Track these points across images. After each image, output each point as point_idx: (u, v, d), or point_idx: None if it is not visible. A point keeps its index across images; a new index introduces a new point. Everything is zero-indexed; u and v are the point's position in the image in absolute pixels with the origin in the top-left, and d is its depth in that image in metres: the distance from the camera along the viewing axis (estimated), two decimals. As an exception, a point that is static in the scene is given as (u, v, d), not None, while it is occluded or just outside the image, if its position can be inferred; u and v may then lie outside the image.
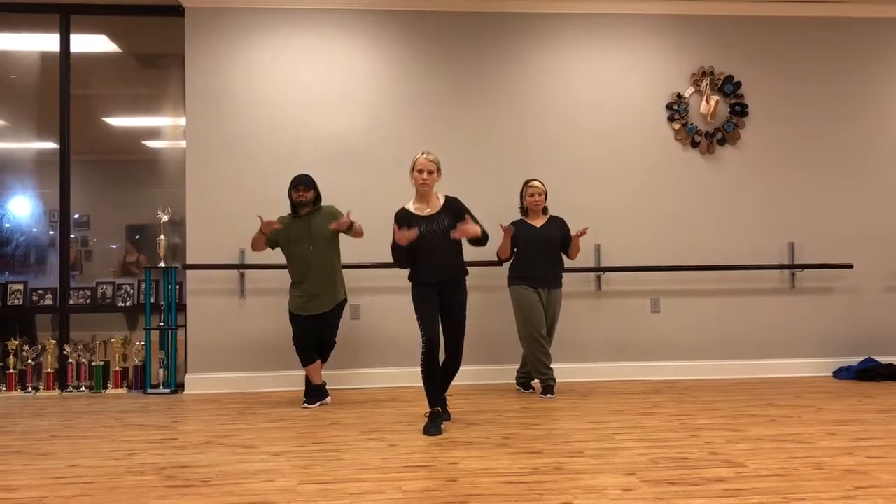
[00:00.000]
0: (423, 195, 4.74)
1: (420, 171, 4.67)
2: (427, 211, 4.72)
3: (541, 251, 5.69)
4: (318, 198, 5.48)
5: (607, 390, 5.87)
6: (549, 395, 5.60)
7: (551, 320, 5.72)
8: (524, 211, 5.86)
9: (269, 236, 5.33)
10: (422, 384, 4.63)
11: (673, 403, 5.33)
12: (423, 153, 4.73)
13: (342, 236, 5.47)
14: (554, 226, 5.78)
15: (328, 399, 5.51)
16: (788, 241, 6.63)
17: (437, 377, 4.62)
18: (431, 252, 4.64)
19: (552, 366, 5.70)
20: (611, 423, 4.70)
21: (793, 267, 6.58)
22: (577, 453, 3.93)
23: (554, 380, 5.67)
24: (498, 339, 6.23)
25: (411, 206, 4.76)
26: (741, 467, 3.62)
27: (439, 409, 4.64)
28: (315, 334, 5.42)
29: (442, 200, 4.76)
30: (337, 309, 5.47)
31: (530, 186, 5.78)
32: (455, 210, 4.71)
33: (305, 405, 5.36)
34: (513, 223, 5.76)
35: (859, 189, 6.75)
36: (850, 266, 6.60)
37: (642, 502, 3.12)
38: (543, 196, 5.78)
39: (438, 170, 4.74)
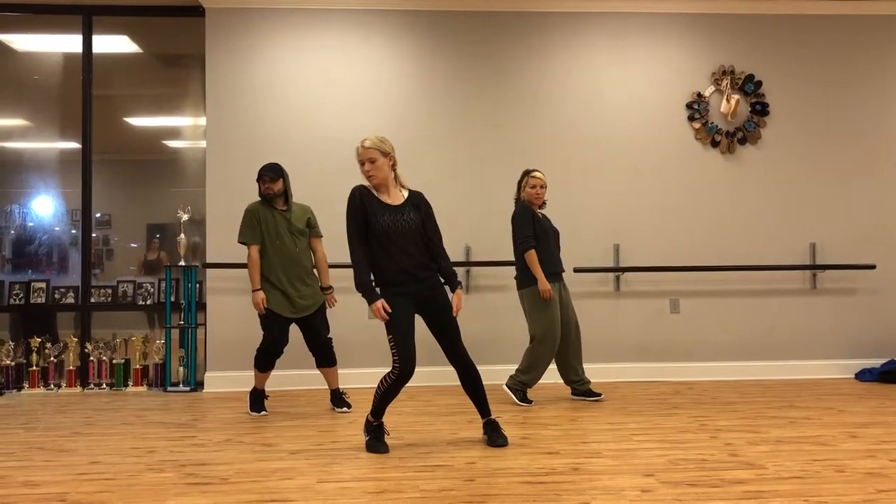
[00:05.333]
0: (379, 188, 4.09)
1: (361, 164, 4.05)
2: (388, 200, 4.08)
3: (553, 244, 5.43)
4: (287, 188, 5.15)
5: (626, 391, 5.84)
6: (526, 403, 5.32)
7: (569, 313, 5.44)
8: (519, 203, 5.42)
9: (253, 235, 5.09)
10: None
11: (692, 405, 5.30)
12: (361, 142, 4.07)
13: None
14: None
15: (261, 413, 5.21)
16: (810, 242, 6.57)
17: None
18: (401, 249, 4.01)
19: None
20: (629, 423, 4.67)
21: (814, 267, 6.52)
22: (595, 454, 3.91)
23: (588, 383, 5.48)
24: (514, 339, 6.20)
25: (373, 192, 4.11)
26: (761, 469, 3.59)
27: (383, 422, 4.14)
28: (299, 338, 5.20)
29: (405, 193, 4.15)
30: (321, 310, 5.23)
31: (532, 177, 5.37)
32: (420, 205, 4.13)
33: (251, 413, 5.17)
34: (525, 211, 5.34)
35: (882, 189, 6.68)
36: (873, 267, 6.53)
37: (661, 504, 3.10)
38: (544, 189, 5.41)
39: (385, 153, 4.05)
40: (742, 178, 6.60)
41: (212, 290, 6.25)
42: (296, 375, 6.13)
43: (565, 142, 6.48)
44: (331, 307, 5.26)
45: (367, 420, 4.15)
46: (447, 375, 5.87)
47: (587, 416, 4.90)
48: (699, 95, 6.61)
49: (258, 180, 5.13)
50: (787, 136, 6.64)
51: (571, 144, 6.48)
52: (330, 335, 5.28)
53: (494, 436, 4.14)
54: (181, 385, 6.23)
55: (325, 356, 5.24)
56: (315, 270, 5.29)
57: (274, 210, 5.13)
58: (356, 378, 6.04)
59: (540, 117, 6.50)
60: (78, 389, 6.25)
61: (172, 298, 6.36)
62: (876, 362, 6.46)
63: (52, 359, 6.28)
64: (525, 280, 5.34)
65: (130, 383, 6.30)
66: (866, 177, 6.67)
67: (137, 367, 6.30)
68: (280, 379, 6.11)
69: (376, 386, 4.09)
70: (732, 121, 6.60)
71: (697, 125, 6.60)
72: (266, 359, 5.14)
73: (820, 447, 4.03)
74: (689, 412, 5.02)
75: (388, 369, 4.04)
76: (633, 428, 4.55)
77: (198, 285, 6.38)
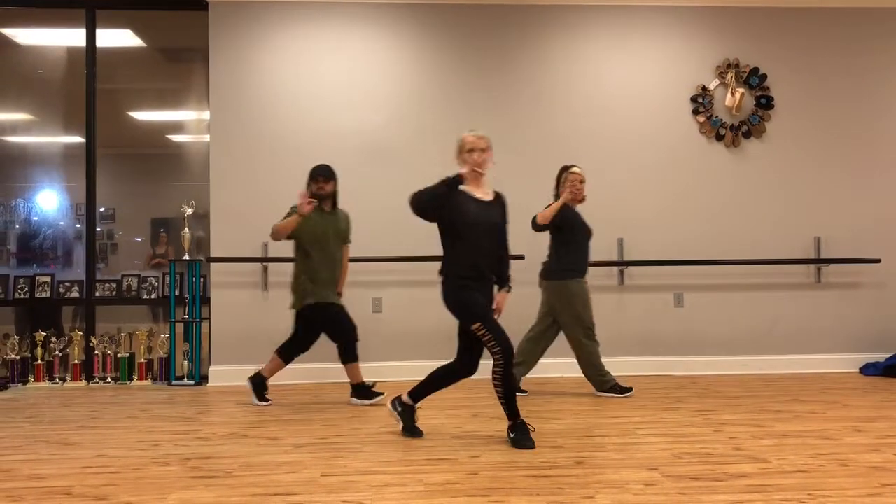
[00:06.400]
0: (475, 179, 4.09)
1: (472, 151, 4.04)
2: (478, 195, 4.10)
3: (587, 239, 5.41)
4: (336, 191, 5.21)
5: (630, 385, 5.83)
6: (626, 394, 5.39)
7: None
8: (558, 199, 5.32)
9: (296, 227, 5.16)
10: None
11: (696, 398, 5.30)
12: (469, 130, 4.12)
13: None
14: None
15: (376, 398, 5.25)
16: (814, 236, 6.55)
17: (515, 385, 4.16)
18: (477, 241, 4.03)
19: None
20: (633, 417, 4.67)
21: (819, 261, 6.50)
22: (599, 448, 3.91)
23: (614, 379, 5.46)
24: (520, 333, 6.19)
25: (463, 186, 4.08)
26: (765, 463, 3.59)
27: (522, 419, 4.08)
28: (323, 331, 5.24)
29: (492, 193, 4.18)
30: (343, 308, 5.24)
31: (572, 173, 5.31)
32: (503, 210, 4.20)
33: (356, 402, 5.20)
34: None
35: (886, 182, 6.66)
36: (878, 261, 6.51)
37: (665, 497, 3.10)
38: (583, 184, 5.31)
39: (490, 148, 4.12)
40: (746, 171, 6.58)
41: (216, 284, 6.26)
42: (300, 370, 6.13)
43: (568, 136, 6.46)
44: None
45: (403, 402, 4.24)
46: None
47: (591, 410, 4.91)
48: (704, 89, 6.59)
49: (310, 180, 5.13)
50: (792, 129, 6.62)
51: (575, 138, 6.47)
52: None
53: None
54: (186, 379, 6.24)
55: (350, 351, 5.24)
56: None
57: (322, 212, 5.13)
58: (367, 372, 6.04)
59: (543, 111, 6.49)
60: (83, 383, 6.26)
61: (177, 293, 6.36)
62: (880, 356, 6.45)
63: (56, 353, 6.30)
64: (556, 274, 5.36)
65: (135, 377, 6.31)
66: (871, 170, 6.65)
67: (142, 361, 6.31)
68: (284, 373, 6.11)
69: (432, 372, 4.21)
70: (737, 114, 6.58)
71: (702, 119, 6.58)
72: (300, 351, 5.28)
73: (824, 441, 4.02)
74: (693, 406, 5.02)
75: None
76: (636, 422, 4.55)
77: (202, 279, 6.38)
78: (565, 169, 5.41)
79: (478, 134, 4.10)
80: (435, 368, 4.25)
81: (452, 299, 4.07)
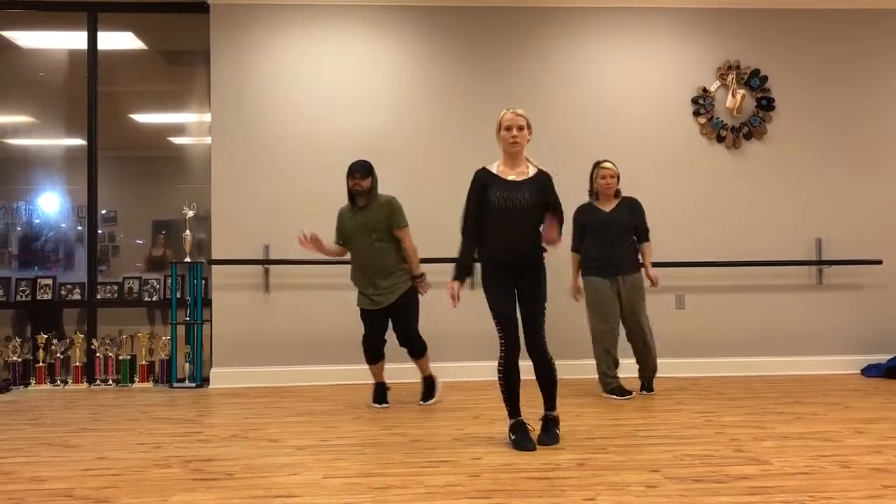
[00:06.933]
0: (511, 157, 4.08)
1: (508, 129, 4.02)
2: (511, 176, 4.05)
3: (612, 236, 5.41)
4: (374, 186, 5.15)
5: (631, 386, 5.82)
6: (625, 396, 5.34)
7: (630, 308, 5.42)
8: (595, 195, 5.53)
9: (337, 235, 5.21)
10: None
11: (698, 400, 5.29)
12: (508, 109, 4.11)
13: None
14: (625, 208, 5.48)
15: (434, 397, 5.29)
16: (816, 237, 6.55)
17: (517, 383, 4.03)
18: (502, 224, 4.00)
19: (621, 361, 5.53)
20: (635, 419, 4.67)
21: (820, 263, 6.50)
22: (600, 449, 3.91)
23: (617, 381, 5.42)
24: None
25: (494, 168, 4.12)
26: (767, 465, 3.58)
27: (521, 418, 4.05)
28: (383, 331, 5.18)
29: (532, 171, 4.09)
30: (403, 300, 5.12)
31: (602, 168, 5.45)
32: (543, 187, 4.04)
33: (373, 406, 5.19)
34: (580, 208, 5.53)
35: (888, 184, 6.65)
36: (880, 262, 6.50)
37: (666, 499, 3.10)
38: (616, 179, 5.46)
39: (529, 127, 4.07)
40: (747, 173, 6.58)
41: (217, 286, 6.26)
42: (300, 371, 6.14)
43: (570, 137, 6.45)
44: (422, 294, 5.15)
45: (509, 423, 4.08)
46: (454, 371, 5.90)
47: (592, 412, 4.90)
48: (704, 90, 6.59)
49: (348, 176, 5.12)
50: (793, 131, 6.62)
51: (576, 140, 6.46)
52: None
53: (545, 435, 4.06)
54: (187, 381, 6.24)
55: (410, 348, 5.21)
56: (404, 264, 5.16)
57: (354, 208, 5.14)
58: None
59: (544, 113, 6.46)
60: (84, 385, 6.27)
61: (178, 295, 6.37)
62: (882, 358, 6.44)
63: (58, 355, 6.30)
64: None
65: (136, 379, 6.31)
66: (872, 172, 6.65)
67: (143, 363, 6.31)
68: (285, 375, 6.12)
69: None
70: (738, 116, 6.58)
71: (703, 120, 6.58)
72: (365, 352, 5.20)
73: (826, 443, 4.02)
74: (695, 408, 5.01)
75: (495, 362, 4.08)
76: (638, 423, 4.54)
77: (203, 282, 6.39)
78: (596, 165, 5.54)
79: (516, 111, 4.08)
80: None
81: (482, 283, 4.10)
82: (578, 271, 5.55)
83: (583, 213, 5.53)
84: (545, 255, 4.14)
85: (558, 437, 4.08)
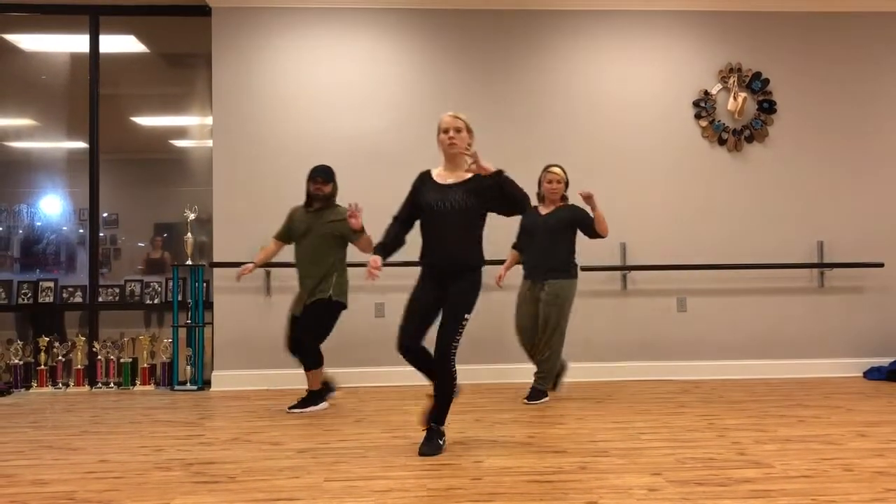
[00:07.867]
0: (450, 160, 4.07)
1: (446, 131, 4.02)
2: (450, 180, 4.04)
3: (539, 241, 5.34)
4: (334, 193, 5.18)
5: (633, 390, 5.83)
6: (533, 401, 5.25)
7: (544, 317, 5.25)
8: (540, 198, 5.46)
9: (281, 230, 5.27)
10: (429, 384, 4.19)
11: (700, 403, 5.28)
12: (448, 113, 4.10)
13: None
14: (562, 212, 5.37)
15: (323, 404, 5.24)
16: (817, 240, 6.54)
17: (427, 374, 4.06)
18: (435, 228, 3.99)
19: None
20: (637, 422, 4.67)
21: (822, 266, 6.49)
22: (602, 453, 3.91)
23: (543, 385, 5.32)
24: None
25: (434, 172, 4.13)
26: (769, 468, 3.58)
27: (432, 424, 4.02)
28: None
29: (469, 175, 4.01)
30: (311, 309, 5.08)
31: (549, 172, 5.40)
32: (482, 189, 3.93)
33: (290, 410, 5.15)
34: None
35: (889, 186, 6.65)
36: (881, 265, 6.50)
37: (668, 502, 3.09)
38: (563, 184, 5.38)
39: (468, 129, 4.05)
40: (749, 176, 6.58)
41: (219, 289, 6.26)
42: (302, 374, 6.12)
43: (571, 140, 6.47)
44: (350, 221, 4.81)
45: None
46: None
47: (594, 415, 4.90)
48: (706, 93, 6.59)
49: (309, 179, 5.14)
50: (795, 133, 6.62)
51: (577, 143, 6.47)
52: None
53: (427, 445, 3.98)
54: (188, 384, 6.25)
55: (303, 357, 5.15)
56: (335, 274, 5.12)
57: (308, 210, 5.17)
58: (370, 377, 6.05)
59: (546, 115, 6.49)
60: (86, 388, 6.27)
61: (180, 298, 6.37)
62: (884, 361, 6.43)
63: (60, 358, 6.30)
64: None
65: (138, 382, 6.32)
66: (874, 174, 6.65)
67: (145, 366, 6.32)
68: (287, 377, 6.12)
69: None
70: (739, 119, 6.58)
71: (704, 123, 6.58)
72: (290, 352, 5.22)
73: (828, 446, 4.01)
74: (697, 411, 5.01)
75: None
76: (640, 427, 4.54)
77: (205, 284, 6.39)
78: (546, 169, 5.47)
79: (454, 114, 4.08)
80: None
81: None
82: (510, 267, 5.58)
83: (526, 214, 5.21)
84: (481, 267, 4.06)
85: (441, 448, 3.95)
